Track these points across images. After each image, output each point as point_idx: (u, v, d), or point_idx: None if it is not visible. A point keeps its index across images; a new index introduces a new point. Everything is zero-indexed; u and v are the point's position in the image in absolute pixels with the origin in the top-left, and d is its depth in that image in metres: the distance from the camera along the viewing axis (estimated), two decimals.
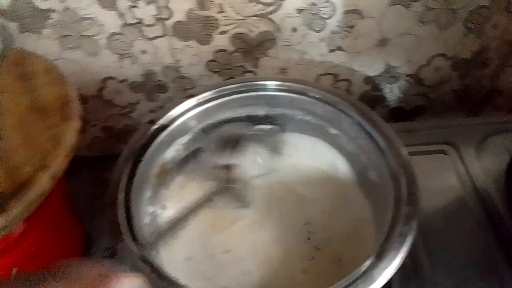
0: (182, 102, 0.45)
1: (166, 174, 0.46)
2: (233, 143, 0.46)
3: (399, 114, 0.68)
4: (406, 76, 0.62)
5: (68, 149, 0.41)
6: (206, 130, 0.49)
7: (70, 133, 0.42)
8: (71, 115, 0.44)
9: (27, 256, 0.49)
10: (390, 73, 0.61)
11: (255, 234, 0.45)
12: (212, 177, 0.47)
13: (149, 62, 0.59)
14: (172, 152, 0.46)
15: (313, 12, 0.52)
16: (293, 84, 0.47)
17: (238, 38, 0.55)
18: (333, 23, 0.54)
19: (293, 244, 0.44)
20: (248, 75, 0.61)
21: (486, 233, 0.47)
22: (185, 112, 0.45)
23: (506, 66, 0.63)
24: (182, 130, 0.46)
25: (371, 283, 0.32)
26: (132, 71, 0.60)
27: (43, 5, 0.51)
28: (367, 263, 0.33)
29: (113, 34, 0.54)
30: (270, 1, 0.51)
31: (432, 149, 0.55)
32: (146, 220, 0.42)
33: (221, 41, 0.56)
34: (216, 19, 0.53)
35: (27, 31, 0.54)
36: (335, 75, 0.61)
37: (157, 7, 0.52)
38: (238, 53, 0.58)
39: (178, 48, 0.57)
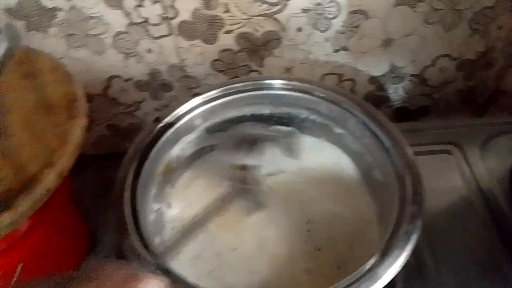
0: (187, 100, 0.46)
1: (171, 172, 0.47)
2: (249, 143, 0.46)
3: (404, 114, 0.68)
4: (411, 76, 0.62)
5: (74, 146, 0.42)
6: (211, 130, 0.49)
7: (76, 131, 0.42)
8: (78, 113, 0.44)
9: (32, 253, 0.49)
10: (394, 73, 0.61)
11: (262, 233, 0.45)
12: (227, 177, 0.47)
13: (155, 61, 0.59)
14: (178, 150, 0.47)
15: (318, 12, 0.52)
16: (298, 83, 0.47)
17: (243, 37, 0.56)
18: (338, 23, 0.54)
19: (297, 244, 0.44)
20: (253, 74, 0.61)
21: (491, 233, 0.47)
22: (191, 110, 0.46)
23: (511, 67, 0.63)
24: (188, 128, 0.46)
25: (375, 281, 0.32)
26: (137, 70, 0.60)
27: (49, 4, 0.52)
28: (372, 261, 0.33)
29: (119, 33, 0.55)
30: (276, 1, 0.51)
31: (436, 149, 0.55)
32: (152, 217, 0.42)
33: (226, 40, 0.56)
34: (222, 19, 0.53)
35: (33, 30, 0.55)
36: (339, 75, 0.61)
37: (163, 6, 0.52)
38: (243, 53, 0.58)
39: (183, 47, 0.57)
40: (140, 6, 0.52)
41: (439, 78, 0.62)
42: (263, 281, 0.41)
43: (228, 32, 0.55)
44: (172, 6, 0.52)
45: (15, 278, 0.48)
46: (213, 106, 0.47)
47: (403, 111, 0.68)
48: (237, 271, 0.42)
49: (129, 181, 0.39)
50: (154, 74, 0.61)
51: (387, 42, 0.56)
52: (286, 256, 0.43)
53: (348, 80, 0.62)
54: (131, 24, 0.54)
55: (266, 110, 0.49)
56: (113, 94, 0.64)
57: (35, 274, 0.54)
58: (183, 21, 0.53)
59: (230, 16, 0.53)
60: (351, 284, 0.32)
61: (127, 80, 0.62)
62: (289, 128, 0.51)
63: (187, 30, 0.54)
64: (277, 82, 0.48)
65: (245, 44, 0.57)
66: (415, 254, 0.34)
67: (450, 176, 0.53)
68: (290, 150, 0.50)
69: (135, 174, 0.40)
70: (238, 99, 0.47)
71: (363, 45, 0.57)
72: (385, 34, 0.55)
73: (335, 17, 0.53)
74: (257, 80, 0.48)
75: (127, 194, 0.38)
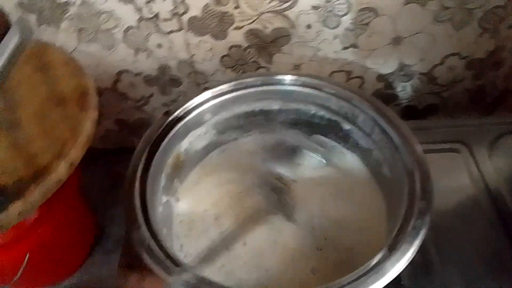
0: (197, 94, 0.46)
1: (180, 166, 0.47)
2: (290, 153, 0.45)
3: (411, 113, 0.68)
4: (420, 74, 0.62)
5: (85, 138, 0.42)
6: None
7: (87, 123, 0.43)
8: (89, 106, 0.45)
9: (39, 245, 0.50)
10: (403, 71, 0.61)
11: (273, 229, 0.46)
12: (260, 184, 0.47)
13: (164, 56, 0.59)
14: (186, 144, 0.47)
15: (328, 9, 0.52)
16: (308, 79, 0.47)
17: (252, 34, 0.56)
18: (347, 20, 0.54)
19: (306, 241, 0.44)
20: (261, 71, 0.61)
21: (497, 232, 0.47)
22: (200, 104, 0.46)
23: None
24: (197, 122, 0.47)
25: (382, 275, 0.32)
26: (147, 65, 0.61)
27: None
28: (379, 255, 0.34)
29: (130, 28, 0.55)
30: None
31: (444, 147, 0.54)
32: (160, 209, 0.42)
33: (235, 36, 0.56)
34: (232, 15, 0.53)
35: (44, 24, 0.55)
36: (348, 72, 0.61)
37: (174, 1, 0.52)
38: (252, 49, 0.58)
39: (193, 43, 0.57)
40: (151, 1, 0.52)
41: (448, 77, 0.62)
42: (272, 277, 0.42)
43: (237, 28, 0.55)
44: (183, 2, 0.52)
45: (21, 269, 0.48)
46: (222, 101, 0.47)
47: (411, 110, 0.68)
48: (247, 267, 0.42)
49: (139, 172, 0.40)
50: (163, 69, 0.61)
51: (396, 40, 0.56)
52: (296, 253, 0.43)
53: (356, 77, 0.62)
54: (142, 19, 0.54)
55: (275, 106, 0.49)
56: (122, 88, 0.65)
57: (42, 266, 0.55)
58: (193, 16, 0.54)
59: (240, 12, 0.53)
60: (358, 278, 0.33)
61: (136, 75, 0.62)
62: (332, 142, 0.50)
63: (197, 25, 0.55)
64: (287, 78, 0.48)
65: (254, 41, 0.57)
66: (421, 251, 0.34)
67: (458, 175, 0.52)
68: (328, 160, 0.50)
69: (145, 166, 0.40)
70: (247, 94, 0.47)
71: (372, 43, 0.57)
72: (394, 32, 0.55)
73: (344, 14, 0.53)
74: (267, 76, 0.48)
75: (137, 186, 0.39)
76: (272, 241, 0.44)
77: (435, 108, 0.68)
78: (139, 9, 0.53)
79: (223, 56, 0.59)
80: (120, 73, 0.62)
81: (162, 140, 0.43)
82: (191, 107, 0.46)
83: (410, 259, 0.33)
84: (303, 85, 0.47)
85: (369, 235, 0.44)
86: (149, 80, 0.63)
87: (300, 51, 0.58)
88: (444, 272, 0.44)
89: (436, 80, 0.63)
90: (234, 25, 0.55)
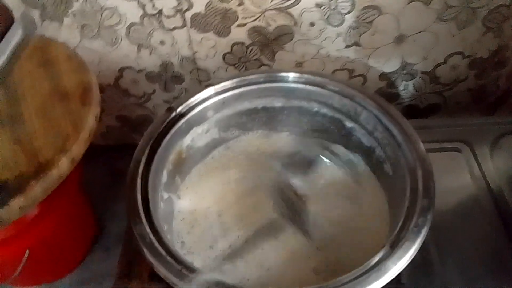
0: (200, 91, 0.46)
1: (182, 163, 0.47)
2: (306, 165, 0.45)
3: (413, 112, 0.68)
4: (422, 73, 0.62)
5: (87, 134, 0.42)
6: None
7: (89, 119, 0.43)
8: (91, 101, 0.45)
9: (40, 240, 0.50)
10: (405, 70, 0.61)
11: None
12: (278, 196, 0.46)
13: (167, 53, 0.59)
14: (188, 140, 0.47)
15: (331, 7, 0.52)
16: (311, 77, 0.47)
17: (255, 31, 0.56)
18: (351, 18, 0.54)
19: (309, 240, 0.44)
20: (264, 68, 0.61)
21: (498, 232, 0.47)
22: (203, 101, 0.46)
23: None
24: (199, 119, 0.47)
25: (384, 273, 0.32)
26: (149, 61, 0.61)
27: None
28: (381, 253, 0.34)
29: (133, 24, 0.55)
30: None
31: (446, 146, 0.54)
32: (161, 205, 0.42)
33: (238, 33, 0.56)
34: (235, 12, 0.53)
35: (48, 19, 0.55)
36: (350, 71, 0.61)
37: None
38: (255, 47, 0.58)
39: (196, 40, 0.57)
40: None
41: (450, 76, 0.62)
42: (273, 277, 0.42)
43: (241, 25, 0.55)
44: None
45: (21, 265, 0.48)
46: (225, 98, 0.47)
47: (413, 109, 0.68)
48: (248, 266, 0.42)
49: (141, 168, 0.40)
50: (166, 66, 0.61)
51: (400, 39, 0.56)
52: (297, 253, 0.43)
53: (358, 76, 0.62)
54: (145, 15, 0.54)
55: (278, 103, 0.49)
56: (124, 85, 0.65)
57: (42, 262, 0.55)
58: (196, 13, 0.54)
59: (243, 9, 0.53)
60: (360, 276, 0.33)
61: (139, 71, 0.62)
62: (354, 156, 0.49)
63: (200, 22, 0.55)
64: (290, 75, 0.48)
65: (257, 38, 0.57)
66: (421, 251, 0.34)
67: (459, 174, 0.52)
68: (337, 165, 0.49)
69: (147, 162, 0.40)
70: (250, 91, 0.47)
71: (375, 41, 0.57)
72: (397, 31, 0.55)
73: (348, 12, 0.53)
74: (270, 73, 0.48)
75: (139, 182, 0.39)
76: (273, 240, 0.44)
77: (437, 108, 0.68)
78: (142, 6, 0.53)
79: (225, 54, 0.59)
80: (122, 69, 0.62)
81: (164, 136, 0.43)
82: (194, 103, 0.46)
83: (412, 257, 0.33)
84: (306, 82, 0.47)
85: (371, 233, 0.43)
86: (151, 76, 0.63)
87: (303, 49, 0.58)
88: (444, 271, 0.44)
89: (439, 79, 0.63)
90: (237, 22, 0.55)
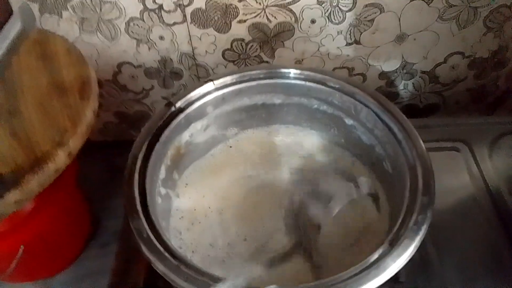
0: (199, 86, 0.45)
1: (181, 158, 0.47)
2: (327, 199, 0.43)
3: (413, 112, 0.68)
4: (422, 73, 0.62)
5: (85, 128, 0.42)
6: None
7: (88, 112, 0.43)
8: (89, 95, 0.44)
9: (35, 235, 0.50)
10: (405, 69, 0.61)
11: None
12: (292, 224, 0.44)
13: (166, 49, 0.59)
14: (187, 136, 0.47)
15: (333, 4, 0.52)
16: (311, 73, 0.47)
17: (256, 27, 0.55)
18: (352, 16, 0.53)
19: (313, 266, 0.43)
20: (264, 64, 0.61)
21: (496, 231, 0.47)
22: (202, 96, 0.46)
23: None
24: (198, 115, 0.46)
25: (383, 270, 0.32)
26: (148, 57, 0.60)
27: None
28: (380, 250, 0.33)
29: (133, 18, 0.55)
30: None
31: (445, 146, 0.55)
32: (159, 201, 0.42)
33: (239, 30, 0.56)
34: (236, 7, 0.53)
35: (47, 13, 0.55)
36: (350, 69, 0.61)
37: None
38: (255, 43, 0.58)
39: (195, 36, 0.57)
40: None
41: (450, 76, 0.62)
42: (273, 274, 0.41)
43: (241, 21, 0.55)
44: None
45: (16, 260, 0.48)
46: (224, 93, 0.46)
47: (412, 109, 0.68)
48: (247, 263, 0.42)
49: (139, 163, 0.39)
50: (165, 61, 0.61)
51: (400, 38, 0.56)
52: (298, 274, 0.42)
53: (358, 74, 0.62)
54: (145, 10, 0.54)
55: (277, 100, 0.49)
56: (123, 80, 0.64)
57: (37, 257, 0.55)
58: (197, 8, 0.53)
59: (244, 5, 0.53)
60: (359, 273, 0.32)
61: (137, 67, 0.62)
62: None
63: (200, 18, 0.54)
64: (290, 71, 0.47)
65: (257, 35, 0.56)
66: (420, 249, 0.34)
67: (458, 173, 0.52)
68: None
69: (145, 157, 0.40)
70: (250, 87, 0.47)
71: (376, 40, 0.57)
72: (398, 29, 0.55)
73: (350, 10, 0.53)
74: (270, 69, 0.48)
75: (136, 176, 0.38)
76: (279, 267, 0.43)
77: (436, 107, 0.68)
78: (142, 0, 0.53)
79: (225, 50, 0.59)
80: (121, 64, 0.62)
81: (163, 131, 0.43)
82: (193, 98, 0.45)
83: (412, 255, 0.33)
84: (307, 79, 0.47)
85: (370, 232, 0.43)
86: (150, 72, 0.63)
87: (303, 46, 0.58)
88: (443, 270, 0.44)
89: (438, 79, 0.63)
90: (238, 18, 0.54)
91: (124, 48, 0.59)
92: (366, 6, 0.52)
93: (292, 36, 0.56)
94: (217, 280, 0.32)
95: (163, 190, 0.44)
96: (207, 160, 0.51)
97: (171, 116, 0.44)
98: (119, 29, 0.56)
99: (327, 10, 0.53)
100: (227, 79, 0.46)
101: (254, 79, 0.47)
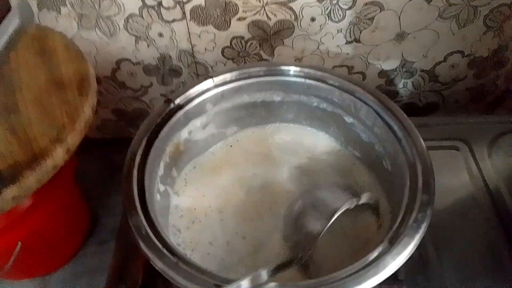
0: (199, 83, 0.45)
1: (180, 156, 0.47)
2: (329, 214, 0.40)
3: (412, 111, 0.68)
4: (421, 71, 0.62)
5: (84, 124, 0.42)
6: None
7: (86, 109, 0.42)
8: (88, 91, 0.44)
9: (33, 232, 0.49)
10: (405, 68, 0.61)
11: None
12: (292, 238, 0.43)
13: (165, 46, 0.59)
14: (186, 133, 0.46)
15: (333, 1, 0.52)
16: (311, 71, 0.47)
17: (255, 25, 0.55)
18: (352, 14, 0.53)
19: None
20: (264, 62, 0.61)
21: (495, 230, 0.47)
22: (202, 93, 0.45)
23: None
24: (198, 112, 0.46)
25: (383, 268, 0.32)
26: (147, 54, 0.60)
27: None
28: (380, 248, 0.33)
29: (132, 15, 0.54)
30: None
31: (444, 144, 0.55)
32: (158, 197, 0.42)
33: (238, 27, 0.56)
34: (236, 5, 0.53)
35: (45, 8, 0.54)
36: (350, 67, 0.61)
37: None
38: (254, 41, 0.58)
39: (195, 33, 0.57)
40: None
41: (449, 75, 0.62)
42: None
43: (241, 19, 0.55)
44: None
45: (13, 257, 0.48)
46: (224, 90, 0.46)
47: (411, 107, 0.68)
48: (243, 261, 0.42)
49: (137, 159, 0.39)
50: (163, 59, 0.61)
51: (400, 36, 0.56)
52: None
53: (358, 73, 0.62)
54: (145, 6, 0.53)
55: (277, 97, 0.49)
56: (121, 77, 0.64)
57: (34, 254, 0.54)
58: (196, 5, 0.53)
59: (244, 2, 0.52)
60: (358, 271, 0.32)
61: (136, 64, 0.62)
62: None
63: (200, 15, 0.54)
64: (291, 69, 0.47)
65: (257, 32, 0.56)
66: (419, 248, 0.34)
67: (457, 172, 0.53)
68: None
69: (144, 153, 0.40)
70: (249, 84, 0.47)
71: (376, 38, 0.57)
72: (398, 27, 0.55)
73: (349, 8, 0.53)
74: (270, 66, 0.47)
75: (135, 173, 0.38)
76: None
77: (435, 106, 0.68)
78: None
79: (224, 48, 0.59)
80: (119, 61, 0.61)
81: (162, 128, 0.42)
82: (192, 95, 0.45)
83: (411, 253, 0.33)
84: (306, 76, 0.47)
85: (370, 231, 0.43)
86: (149, 69, 0.62)
87: (302, 44, 0.58)
88: (442, 268, 0.45)
89: (438, 78, 0.63)
90: (238, 16, 0.54)
91: (123, 45, 0.59)
92: (366, 4, 0.52)
93: (292, 34, 0.56)
94: (225, 281, 0.32)
95: (162, 187, 0.44)
96: (206, 158, 0.51)
97: (170, 113, 0.43)
98: (118, 25, 0.56)
99: (327, 8, 0.53)
100: (227, 76, 0.46)
101: (253, 76, 0.47)
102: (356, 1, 0.52)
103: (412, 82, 0.64)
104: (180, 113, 0.44)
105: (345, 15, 0.53)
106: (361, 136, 0.46)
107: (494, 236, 0.47)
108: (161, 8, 0.53)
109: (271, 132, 0.53)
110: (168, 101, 0.44)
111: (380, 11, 0.53)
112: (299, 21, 0.55)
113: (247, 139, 0.52)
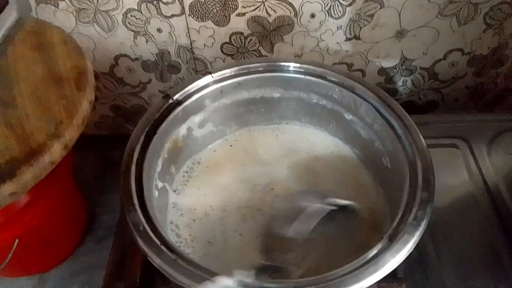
0: (198, 78, 0.45)
1: (178, 152, 0.46)
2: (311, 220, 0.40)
3: (411, 109, 0.68)
4: (421, 69, 0.62)
5: (81, 119, 0.41)
6: None
7: (84, 104, 0.42)
8: (86, 86, 0.44)
9: (30, 229, 0.49)
10: (404, 66, 0.61)
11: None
12: (268, 241, 0.43)
13: (164, 41, 0.58)
14: (184, 129, 0.46)
15: None
16: (311, 67, 0.46)
17: (255, 21, 0.55)
18: (353, 11, 0.53)
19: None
20: (264, 58, 0.60)
21: (494, 228, 0.47)
22: (201, 89, 0.45)
23: None
24: (197, 108, 0.46)
25: (382, 266, 0.32)
26: (146, 49, 0.60)
27: None
28: (379, 245, 0.33)
29: (130, 10, 0.54)
30: None
31: (444, 142, 0.55)
32: (156, 194, 0.42)
33: (238, 23, 0.55)
34: (235, 0, 0.52)
35: (43, 3, 0.54)
36: (349, 65, 0.61)
37: None
38: (253, 37, 0.57)
39: (194, 28, 0.56)
40: None
41: (449, 73, 0.62)
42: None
43: (240, 14, 0.54)
44: None
45: (10, 254, 0.47)
46: (223, 86, 0.46)
47: (411, 105, 0.68)
48: (239, 257, 0.42)
49: (136, 155, 0.39)
50: (162, 54, 0.60)
51: (400, 33, 0.56)
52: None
53: (357, 70, 0.62)
54: (143, 1, 0.53)
55: (276, 94, 0.49)
56: (120, 73, 0.64)
57: (31, 252, 0.54)
58: (195, 0, 0.53)
59: None
60: (357, 268, 0.32)
61: (134, 59, 0.61)
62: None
63: (199, 10, 0.54)
64: (290, 65, 0.47)
65: (256, 28, 0.56)
66: (418, 246, 0.34)
67: (456, 170, 0.53)
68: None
69: (142, 149, 0.39)
70: (249, 80, 0.46)
71: (376, 35, 0.56)
72: (398, 25, 0.55)
73: (350, 4, 0.52)
74: (270, 62, 0.47)
75: (133, 169, 0.38)
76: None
77: (435, 104, 0.68)
78: None
79: (224, 44, 0.58)
80: (117, 57, 0.61)
81: (161, 124, 0.42)
82: (191, 91, 0.45)
83: (411, 250, 0.33)
84: (306, 73, 0.46)
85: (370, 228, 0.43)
86: (147, 65, 0.62)
87: (302, 41, 0.57)
88: (440, 266, 0.44)
89: (437, 76, 0.63)
90: (237, 11, 0.54)
91: (121, 40, 0.58)
92: (366, 1, 0.52)
93: (292, 30, 0.56)
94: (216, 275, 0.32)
95: (160, 184, 0.43)
96: (205, 156, 0.50)
97: (168, 109, 0.43)
98: (116, 20, 0.55)
99: (327, 5, 0.53)
100: (226, 72, 0.46)
101: (253, 72, 0.46)
102: None
103: (412, 80, 0.64)
104: (179, 109, 0.43)
105: (345, 12, 0.53)
106: (361, 133, 0.46)
107: (493, 233, 0.47)
108: (160, 2, 0.53)
109: (270, 130, 0.53)
110: (167, 96, 0.43)
111: (380, 8, 0.53)
112: (299, 17, 0.54)
113: (246, 137, 0.52)
